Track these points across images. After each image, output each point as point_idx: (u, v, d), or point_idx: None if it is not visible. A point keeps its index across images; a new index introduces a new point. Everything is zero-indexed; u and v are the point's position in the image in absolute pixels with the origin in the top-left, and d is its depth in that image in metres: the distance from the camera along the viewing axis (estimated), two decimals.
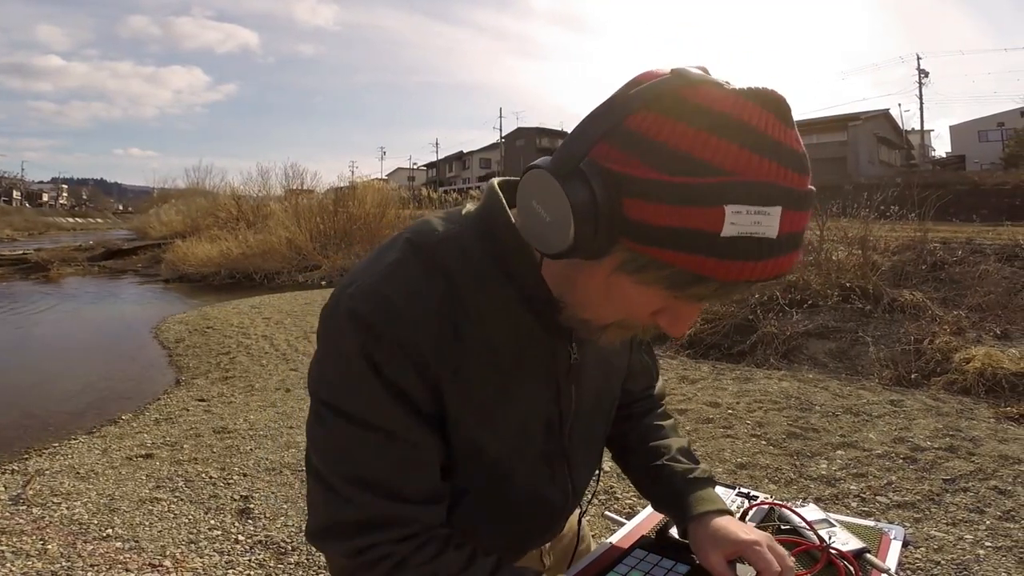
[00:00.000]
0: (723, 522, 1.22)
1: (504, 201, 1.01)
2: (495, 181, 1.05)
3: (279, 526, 4.06)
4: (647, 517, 1.55)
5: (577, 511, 1.54)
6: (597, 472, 1.37)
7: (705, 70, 0.80)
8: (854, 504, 4.10)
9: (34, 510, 4.32)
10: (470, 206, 1.07)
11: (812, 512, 1.45)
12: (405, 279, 0.97)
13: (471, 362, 1.00)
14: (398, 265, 0.98)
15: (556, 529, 1.35)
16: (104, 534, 4.00)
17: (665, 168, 0.74)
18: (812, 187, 0.80)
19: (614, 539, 1.48)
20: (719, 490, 1.62)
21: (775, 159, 0.75)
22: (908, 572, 3.31)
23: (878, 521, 1.58)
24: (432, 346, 0.96)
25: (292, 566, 3.62)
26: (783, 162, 0.75)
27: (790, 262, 0.79)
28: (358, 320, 0.95)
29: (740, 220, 0.73)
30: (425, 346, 0.95)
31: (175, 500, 4.47)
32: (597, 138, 0.79)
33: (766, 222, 0.74)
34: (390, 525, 1.00)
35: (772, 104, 0.76)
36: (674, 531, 1.36)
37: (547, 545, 1.46)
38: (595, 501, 4.14)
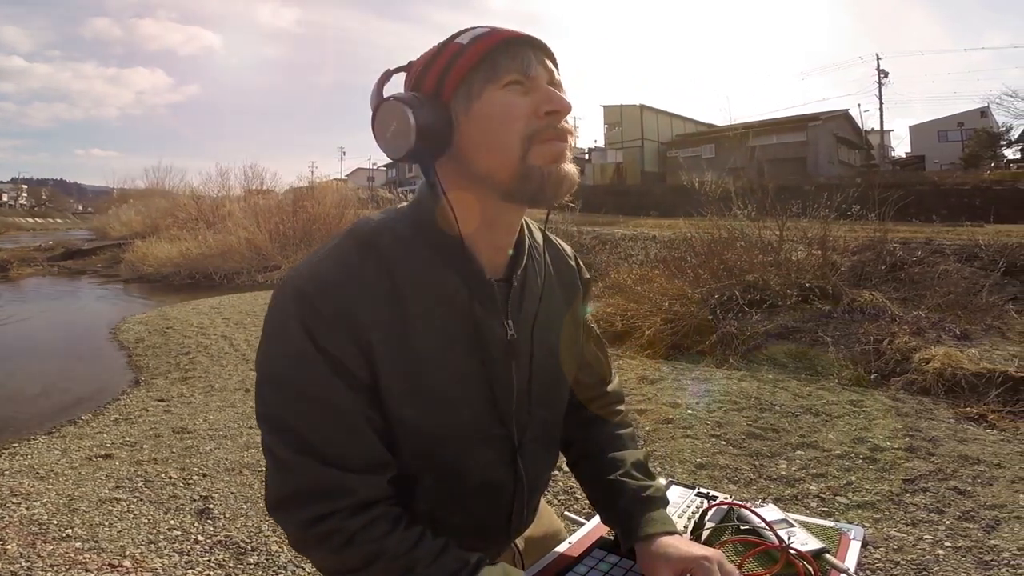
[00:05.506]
0: (671, 540, 1.23)
1: (430, 190, 1.19)
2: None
3: (239, 526, 4.01)
4: None
5: (542, 503, 1.56)
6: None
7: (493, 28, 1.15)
8: (814, 504, 4.13)
9: None
10: (406, 203, 1.24)
11: (771, 512, 1.46)
12: (342, 260, 1.12)
13: (403, 329, 1.11)
14: (336, 249, 1.14)
15: (516, 518, 1.35)
16: (64, 534, 3.94)
17: (434, 54, 1.17)
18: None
19: (573, 539, 1.47)
20: (678, 490, 1.63)
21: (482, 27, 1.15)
22: (867, 572, 3.33)
23: (837, 521, 1.60)
24: (364, 314, 1.08)
25: (251, 566, 3.59)
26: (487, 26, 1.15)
27: (523, 34, 1.14)
28: (298, 294, 1.08)
29: (466, 35, 1.14)
30: (358, 313, 1.07)
31: (135, 500, 4.40)
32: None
33: (480, 28, 1.14)
34: (333, 495, 1.07)
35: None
36: None
37: (520, 544, 1.47)
38: (555, 501, 4.14)
